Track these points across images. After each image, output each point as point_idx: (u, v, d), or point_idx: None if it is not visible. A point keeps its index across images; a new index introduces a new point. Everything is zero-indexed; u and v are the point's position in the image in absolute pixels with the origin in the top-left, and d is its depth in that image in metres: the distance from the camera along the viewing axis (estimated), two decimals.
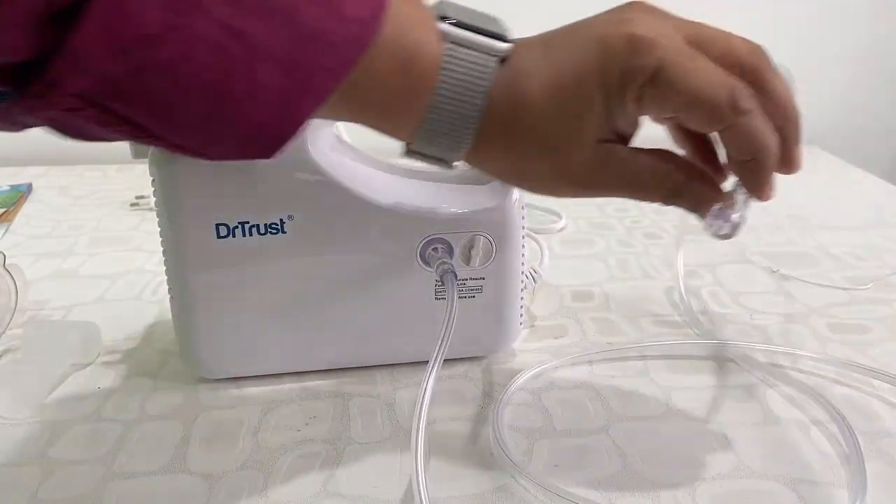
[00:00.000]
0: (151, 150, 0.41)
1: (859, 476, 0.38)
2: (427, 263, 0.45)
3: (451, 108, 0.32)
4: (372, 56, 0.29)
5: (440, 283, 0.46)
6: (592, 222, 0.75)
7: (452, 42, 0.31)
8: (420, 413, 0.36)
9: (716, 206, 0.35)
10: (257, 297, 0.44)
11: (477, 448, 0.41)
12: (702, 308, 0.57)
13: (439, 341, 0.39)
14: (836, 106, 1.06)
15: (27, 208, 0.80)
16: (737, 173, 0.35)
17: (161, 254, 0.44)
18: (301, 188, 0.42)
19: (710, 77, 0.31)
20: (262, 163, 0.41)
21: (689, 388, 0.47)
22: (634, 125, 0.35)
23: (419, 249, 0.45)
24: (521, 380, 0.47)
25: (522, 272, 0.48)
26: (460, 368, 0.49)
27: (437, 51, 0.31)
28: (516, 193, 0.45)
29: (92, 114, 0.26)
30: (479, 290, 0.47)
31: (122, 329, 0.54)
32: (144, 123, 0.28)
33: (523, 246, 0.47)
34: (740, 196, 0.35)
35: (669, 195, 0.35)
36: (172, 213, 0.42)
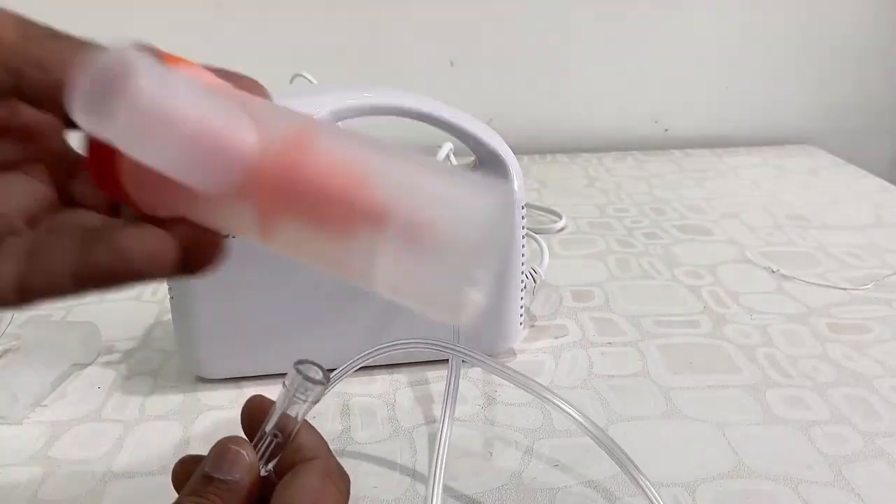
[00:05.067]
0: None
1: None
2: None
3: None
4: None
5: None
6: (592, 222, 0.75)
7: None
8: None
9: None
10: (257, 297, 0.44)
11: (477, 448, 0.41)
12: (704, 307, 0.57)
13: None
14: (836, 106, 1.06)
15: None
16: None
17: None
18: None
19: None
20: None
21: (690, 388, 0.47)
22: None
23: None
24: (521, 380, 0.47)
25: (522, 272, 0.48)
26: (460, 368, 0.48)
27: None
28: (516, 193, 0.45)
29: None
30: None
31: (122, 329, 0.54)
32: None
33: (523, 246, 0.47)
34: None
35: None
36: None
